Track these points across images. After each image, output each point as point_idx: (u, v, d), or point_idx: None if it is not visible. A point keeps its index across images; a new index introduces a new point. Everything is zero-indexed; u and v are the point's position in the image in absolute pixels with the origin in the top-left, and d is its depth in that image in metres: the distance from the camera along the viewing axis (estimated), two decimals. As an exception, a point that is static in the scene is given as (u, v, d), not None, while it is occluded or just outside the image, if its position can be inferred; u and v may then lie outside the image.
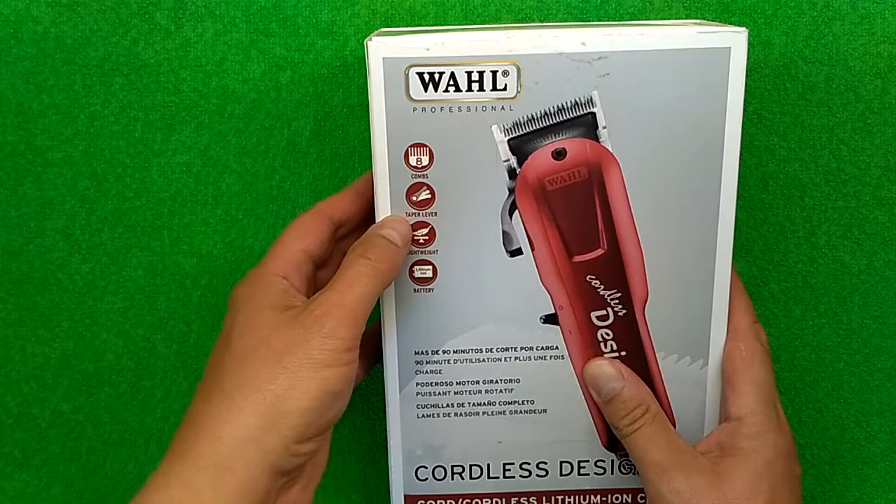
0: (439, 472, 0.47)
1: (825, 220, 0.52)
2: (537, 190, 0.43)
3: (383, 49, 0.41)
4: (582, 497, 0.48)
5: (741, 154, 0.43)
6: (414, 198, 0.43)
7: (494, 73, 0.41)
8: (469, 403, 0.46)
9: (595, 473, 0.48)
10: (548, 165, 0.42)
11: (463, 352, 0.45)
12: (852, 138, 0.51)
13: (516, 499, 0.48)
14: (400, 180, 0.42)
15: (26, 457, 0.56)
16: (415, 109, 0.41)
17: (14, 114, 0.51)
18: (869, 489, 0.56)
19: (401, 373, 0.45)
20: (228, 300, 0.42)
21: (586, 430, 0.47)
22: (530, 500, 0.48)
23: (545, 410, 0.46)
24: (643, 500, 0.48)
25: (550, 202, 0.43)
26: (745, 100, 0.42)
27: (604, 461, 0.48)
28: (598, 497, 0.48)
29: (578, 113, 0.42)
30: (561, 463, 0.47)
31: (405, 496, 0.48)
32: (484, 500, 0.48)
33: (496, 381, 0.46)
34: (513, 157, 0.42)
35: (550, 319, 0.45)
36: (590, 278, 0.44)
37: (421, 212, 0.43)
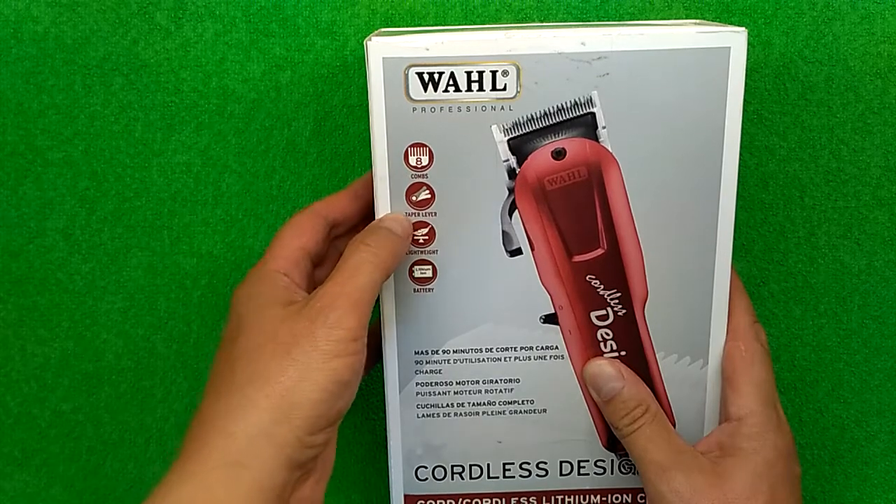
0: (439, 472, 0.47)
1: (825, 220, 0.52)
2: (537, 190, 0.43)
3: (383, 49, 0.41)
4: (582, 497, 0.48)
5: (741, 154, 0.43)
6: (414, 198, 0.43)
7: (494, 73, 0.41)
8: (469, 403, 0.46)
9: (595, 473, 0.48)
10: (547, 165, 0.42)
11: (463, 351, 0.45)
12: (852, 138, 0.51)
13: (516, 499, 0.48)
14: (400, 180, 0.42)
15: (26, 457, 0.56)
16: (414, 109, 0.41)
17: (14, 114, 0.51)
18: (869, 489, 0.56)
19: (401, 373, 0.45)
20: (231, 301, 0.42)
21: (586, 430, 0.47)
22: (530, 499, 0.48)
23: (545, 410, 0.46)
24: (643, 500, 0.48)
25: (550, 202, 0.43)
26: (745, 100, 0.42)
27: (603, 461, 0.47)
28: (598, 497, 0.48)
29: (578, 113, 0.42)
30: (561, 463, 0.47)
31: (405, 496, 0.48)
32: (484, 500, 0.48)
33: (496, 381, 0.46)
34: (512, 156, 0.42)
35: (550, 319, 0.45)
36: (589, 278, 0.44)
37: (421, 212, 0.43)
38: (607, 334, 0.45)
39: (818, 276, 0.53)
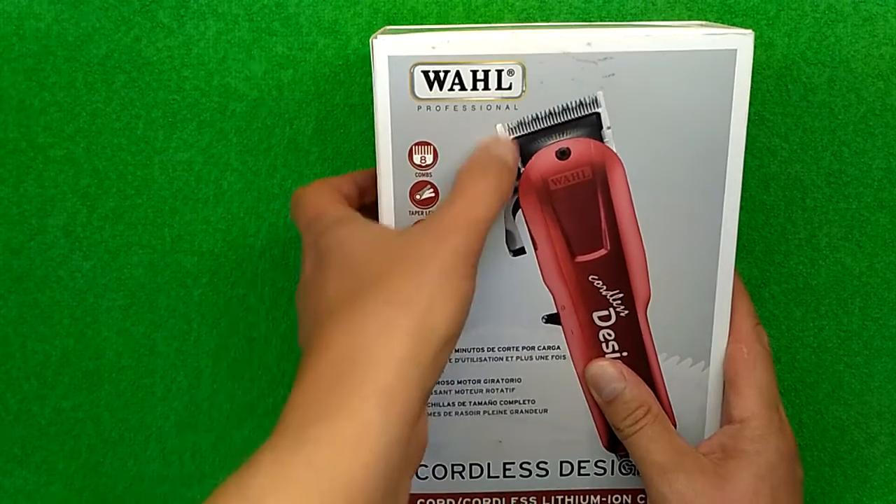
0: (439, 471, 0.47)
1: (826, 222, 0.52)
2: (541, 189, 0.43)
3: (389, 47, 0.40)
4: (582, 497, 0.48)
5: (743, 155, 0.43)
6: (418, 196, 0.43)
7: (500, 72, 0.41)
8: (470, 403, 0.46)
9: (595, 474, 0.48)
10: (551, 165, 0.42)
11: (464, 351, 0.45)
12: (854, 140, 0.51)
13: (516, 498, 0.48)
14: (404, 178, 0.42)
15: (26, 454, 0.56)
16: (419, 108, 0.41)
17: (16, 111, 0.51)
18: (869, 491, 0.56)
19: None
20: (308, 227, 0.40)
21: (587, 431, 0.47)
22: (530, 499, 0.48)
23: (546, 410, 0.46)
24: (643, 501, 0.48)
25: (554, 202, 0.43)
26: (748, 101, 0.42)
27: (604, 462, 0.48)
28: (598, 497, 0.48)
29: (583, 113, 0.42)
30: (561, 463, 0.47)
31: (406, 495, 0.48)
32: (484, 500, 0.48)
33: (497, 381, 0.46)
34: (517, 156, 0.42)
35: (552, 319, 0.45)
36: (592, 278, 0.44)
37: (424, 210, 0.43)
38: (609, 335, 0.45)
39: (819, 278, 0.53)
